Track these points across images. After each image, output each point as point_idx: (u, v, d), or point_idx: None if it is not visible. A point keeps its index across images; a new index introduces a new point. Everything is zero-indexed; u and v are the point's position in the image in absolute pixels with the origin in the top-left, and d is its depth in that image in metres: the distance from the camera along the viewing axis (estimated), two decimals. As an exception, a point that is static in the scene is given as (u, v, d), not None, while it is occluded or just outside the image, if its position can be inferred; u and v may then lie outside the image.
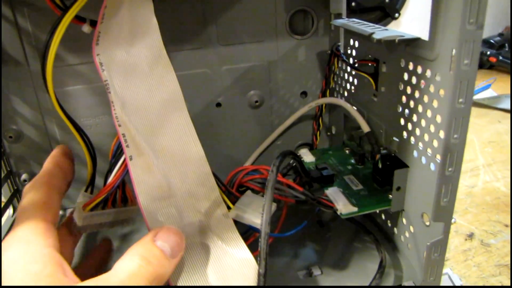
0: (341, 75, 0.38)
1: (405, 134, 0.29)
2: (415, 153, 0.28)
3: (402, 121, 0.29)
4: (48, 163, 0.27)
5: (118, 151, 0.28)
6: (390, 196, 0.30)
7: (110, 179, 0.28)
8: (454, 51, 0.21)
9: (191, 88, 0.38)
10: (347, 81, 0.37)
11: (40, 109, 0.36)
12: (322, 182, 0.32)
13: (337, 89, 0.40)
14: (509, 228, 0.48)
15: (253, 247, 0.26)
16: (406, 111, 0.28)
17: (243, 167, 0.32)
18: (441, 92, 0.24)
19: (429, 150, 0.26)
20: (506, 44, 1.13)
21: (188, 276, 0.25)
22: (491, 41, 1.16)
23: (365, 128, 0.33)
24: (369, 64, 0.32)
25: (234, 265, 0.25)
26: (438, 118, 0.24)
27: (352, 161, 0.36)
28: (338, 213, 0.29)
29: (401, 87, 0.28)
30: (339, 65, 0.38)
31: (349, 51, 0.36)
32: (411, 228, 0.30)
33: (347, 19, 0.35)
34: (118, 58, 0.26)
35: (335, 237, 0.35)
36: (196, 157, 0.28)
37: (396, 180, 0.29)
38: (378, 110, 0.32)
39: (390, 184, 0.29)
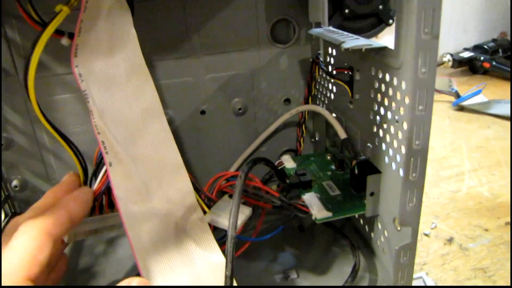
0: (322, 83, 0.39)
1: (377, 140, 0.29)
2: (386, 159, 0.28)
3: (375, 128, 0.29)
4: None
5: (100, 158, 0.29)
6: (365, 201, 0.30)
7: (95, 186, 0.29)
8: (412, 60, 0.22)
9: (176, 97, 0.39)
10: (327, 88, 0.38)
11: (30, 117, 0.37)
12: (300, 188, 0.33)
13: (319, 96, 0.40)
14: (488, 232, 0.49)
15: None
16: (377, 118, 0.29)
17: (222, 173, 0.33)
18: (406, 99, 0.24)
19: (398, 156, 0.27)
20: (500, 50, 1.14)
21: (163, 277, 0.25)
22: (485, 46, 1.17)
23: (342, 135, 0.33)
24: (345, 72, 0.33)
25: (207, 267, 0.26)
26: (405, 125, 0.25)
27: (333, 167, 0.37)
28: (313, 218, 0.30)
29: (372, 94, 0.29)
30: (320, 73, 0.39)
31: (328, 59, 0.37)
32: (385, 233, 0.30)
33: (324, 28, 0.36)
34: (97, 69, 0.27)
35: (314, 242, 0.36)
36: (173, 164, 0.29)
37: (370, 186, 0.29)
38: (354, 117, 0.33)
39: (365, 189, 0.30)
